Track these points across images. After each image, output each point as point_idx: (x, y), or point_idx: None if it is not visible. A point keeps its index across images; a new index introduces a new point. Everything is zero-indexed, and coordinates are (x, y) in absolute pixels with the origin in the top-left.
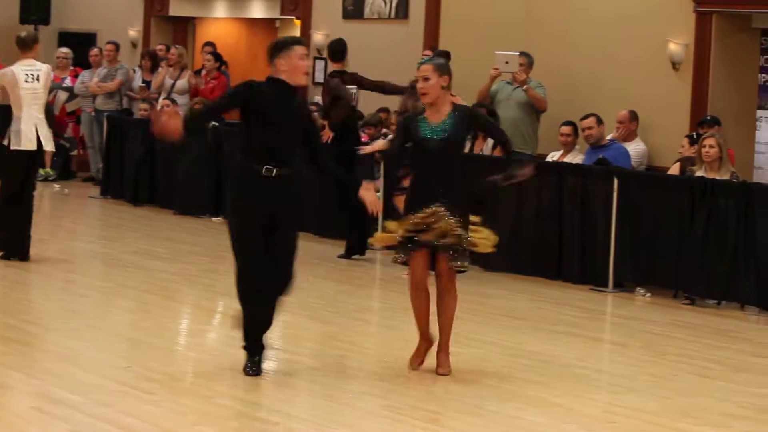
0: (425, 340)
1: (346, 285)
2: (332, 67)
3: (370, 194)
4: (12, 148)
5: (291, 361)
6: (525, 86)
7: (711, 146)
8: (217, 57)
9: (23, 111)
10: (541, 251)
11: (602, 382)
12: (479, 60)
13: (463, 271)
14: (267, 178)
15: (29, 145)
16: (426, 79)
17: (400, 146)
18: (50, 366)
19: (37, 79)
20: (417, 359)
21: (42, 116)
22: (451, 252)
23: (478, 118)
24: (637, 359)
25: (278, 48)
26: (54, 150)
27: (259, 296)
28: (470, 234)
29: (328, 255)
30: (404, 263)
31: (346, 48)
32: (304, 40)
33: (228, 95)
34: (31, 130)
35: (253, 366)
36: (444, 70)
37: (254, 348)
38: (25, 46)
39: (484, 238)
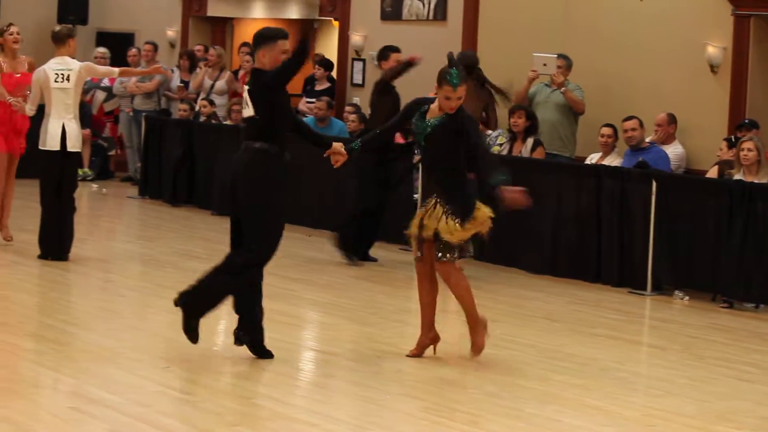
0: (423, 333)
1: (385, 286)
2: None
3: None
4: (40, 147)
5: (329, 362)
6: (563, 88)
7: (749, 149)
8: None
9: (52, 110)
10: (580, 254)
11: (640, 385)
12: (517, 62)
13: (448, 261)
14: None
15: (53, 144)
16: (459, 98)
17: (394, 124)
18: (88, 366)
19: (67, 79)
20: (413, 349)
21: (71, 116)
22: (439, 245)
23: (462, 122)
24: (676, 362)
25: (262, 40)
26: (80, 151)
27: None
28: (465, 225)
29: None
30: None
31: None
32: (288, 33)
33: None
34: (56, 130)
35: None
36: (463, 81)
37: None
38: (59, 41)
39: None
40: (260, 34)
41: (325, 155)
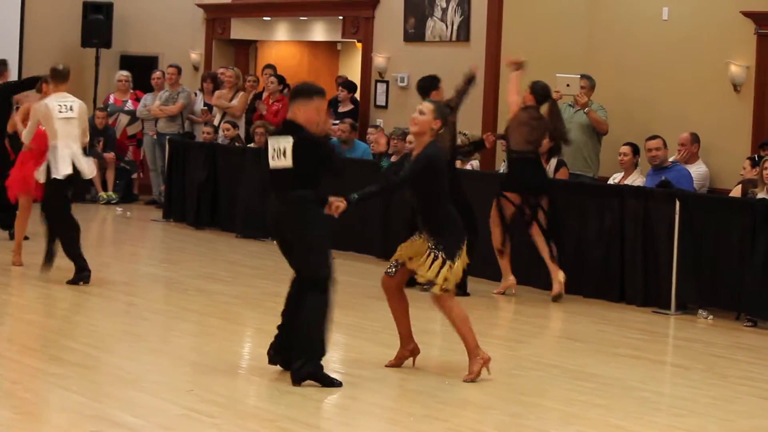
0: (402, 345)
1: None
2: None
3: None
4: (53, 176)
5: (353, 384)
6: (586, 109)
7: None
8: (281, 79)
9: (59, 141)
10: (604, 274)
11: (663, 404)
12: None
13: (426, 290)
14: None
15: (65, 168)
16: (422, 113)
17: (401, 185)
18: (112, 389)
19: (71, 109)
20: (392, 360)
21: (77, 148)
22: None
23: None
24: (699, 382)
25: (300, 94)
26: (91, 179)
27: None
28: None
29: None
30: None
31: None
32: (325, 92)
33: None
34: (65, 160)
35: None
36: (440, 116)
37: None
38: (63, 79)
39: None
40: (299, 88)
41: (325, 210)
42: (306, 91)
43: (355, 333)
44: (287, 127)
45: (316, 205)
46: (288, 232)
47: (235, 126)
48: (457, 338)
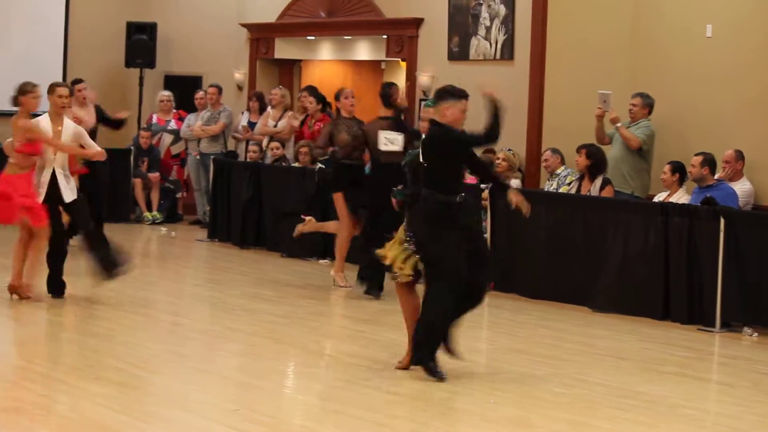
0: (409, 350)
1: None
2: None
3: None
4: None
5: (397, 403)
6: (618, 124)
7: None
8: (320, 98)
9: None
10: (648, 292)
11: (709, 422)
12: (585, 100)
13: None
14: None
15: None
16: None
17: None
18: (157, 410)
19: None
20: (400, 363)
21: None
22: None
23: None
24: (744, 399)
25: (447, 95)
26: (74, 199)
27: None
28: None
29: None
30: None
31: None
32: (468, 95)
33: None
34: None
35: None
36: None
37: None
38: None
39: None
40: (446, 89)
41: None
42: (454, 93)
43: (400, 352)
44: (433, 125)
45: (435, 203)
46: (476, 223)
47: (283, 145)
48: (504, 356)
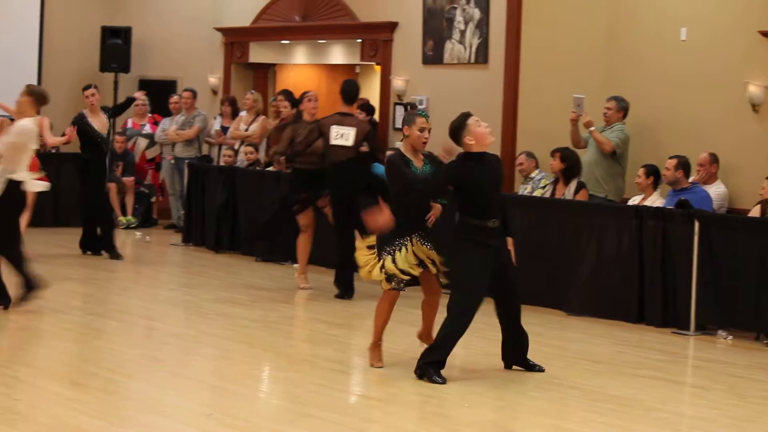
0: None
1: None
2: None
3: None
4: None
5: (372, 408)
6: (591, 128)
7: None
8: (295, 103)
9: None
10: (623, 295)
11: (683, 425)
12: (560, 103)
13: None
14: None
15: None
16: (430, 130)
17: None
18: (133, 414)
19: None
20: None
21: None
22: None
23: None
24: (719, 402)
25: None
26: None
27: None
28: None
29: (409, 299)
30: None
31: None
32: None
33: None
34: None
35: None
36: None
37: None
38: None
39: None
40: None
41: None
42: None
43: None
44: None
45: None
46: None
47: (256, 150)
48: (479, 359)
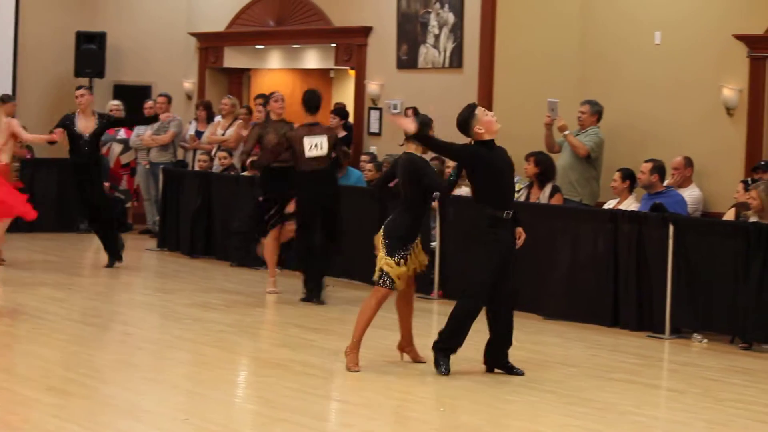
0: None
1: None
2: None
3: None
4: None
5: (348, 412)
6: (566, 132)
7: (753, 198)
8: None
9: None
10: (598, 299)
11: (659, 429)
12: (534, 107)
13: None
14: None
15: None
16: None
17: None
18: (108, 419)
19: None
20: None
21: None
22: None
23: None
24: (694, 405)
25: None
26: None
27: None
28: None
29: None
30: None
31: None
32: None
33: None
34: None
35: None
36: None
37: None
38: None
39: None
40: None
41: None
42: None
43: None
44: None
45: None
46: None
47: (231, 155)
48: (453, 364)
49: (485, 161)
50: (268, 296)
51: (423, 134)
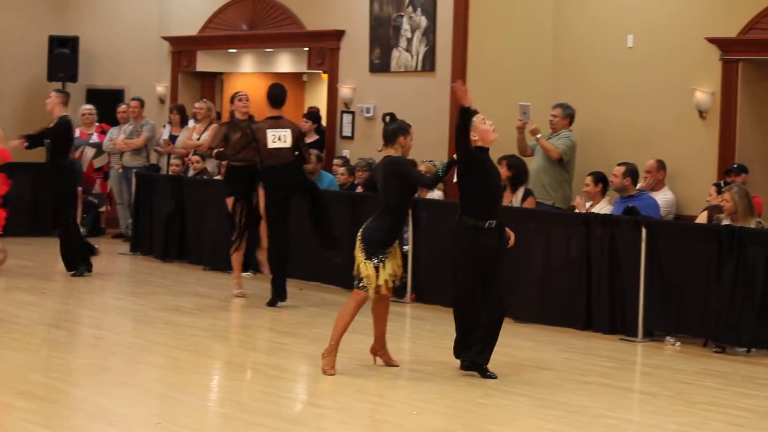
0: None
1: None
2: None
3: None
4: None
5: (321, 416)
6: (538, 135)
7: (726, 201)
8: None
9: None
10: (570, 302)
11: (632, 431)
12: (506, 111)
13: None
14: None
15: None
16: None
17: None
18: (80, 423)
19: None
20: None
21: None
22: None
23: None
24: (667, 408)
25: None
26: None
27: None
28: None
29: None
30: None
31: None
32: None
33: None
34: None
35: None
36: None
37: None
38: None
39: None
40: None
41: None
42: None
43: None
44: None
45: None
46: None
47: (204, 159)
48: (426, 367)
49: (479, 164)
50: (243, 299)
51: (469, 113)
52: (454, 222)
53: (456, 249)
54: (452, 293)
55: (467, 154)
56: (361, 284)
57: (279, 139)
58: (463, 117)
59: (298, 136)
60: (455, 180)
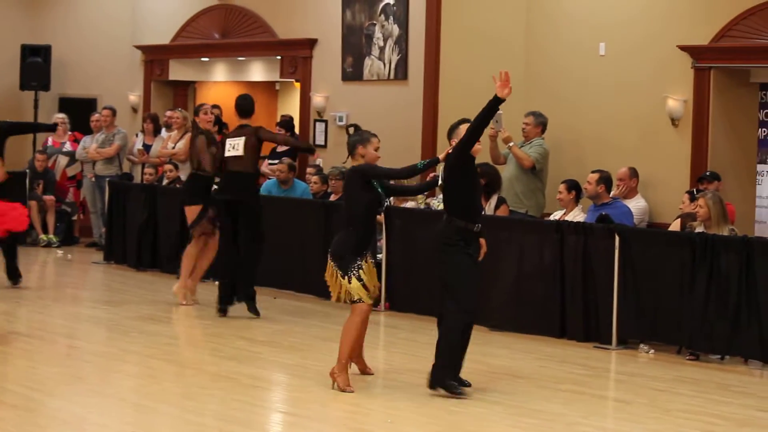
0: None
1: None
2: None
3: None
4: None
5: (296, 425)
6: (510, 143)
7: (701, 206)
8: (217, 120)
9: None
10: (544, 310)
11: None
12: None
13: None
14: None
15: None
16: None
17: None
18: None
19: None
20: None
21: None
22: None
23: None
24: (642, 416)
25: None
26: None
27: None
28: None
29: (330, 316)
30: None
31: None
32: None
33: None
34: None
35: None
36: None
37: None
38: None
39: None
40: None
41: None
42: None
43: (298, 373)
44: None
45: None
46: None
47: (177, 167)
48: (400, 375)
49: (473, 168)
50: (212, 309)
51: (498, 102)
52: (440, 227)
53: (449, 252)
54: (450, 316)
55: (467, 156)
56: (355, 299)
57: (233, 147)
58: (494, 105)
59: (256, 136)
60: (439, 183)
